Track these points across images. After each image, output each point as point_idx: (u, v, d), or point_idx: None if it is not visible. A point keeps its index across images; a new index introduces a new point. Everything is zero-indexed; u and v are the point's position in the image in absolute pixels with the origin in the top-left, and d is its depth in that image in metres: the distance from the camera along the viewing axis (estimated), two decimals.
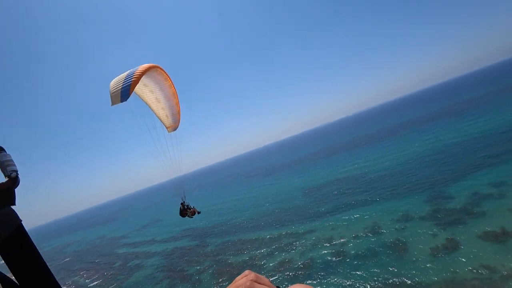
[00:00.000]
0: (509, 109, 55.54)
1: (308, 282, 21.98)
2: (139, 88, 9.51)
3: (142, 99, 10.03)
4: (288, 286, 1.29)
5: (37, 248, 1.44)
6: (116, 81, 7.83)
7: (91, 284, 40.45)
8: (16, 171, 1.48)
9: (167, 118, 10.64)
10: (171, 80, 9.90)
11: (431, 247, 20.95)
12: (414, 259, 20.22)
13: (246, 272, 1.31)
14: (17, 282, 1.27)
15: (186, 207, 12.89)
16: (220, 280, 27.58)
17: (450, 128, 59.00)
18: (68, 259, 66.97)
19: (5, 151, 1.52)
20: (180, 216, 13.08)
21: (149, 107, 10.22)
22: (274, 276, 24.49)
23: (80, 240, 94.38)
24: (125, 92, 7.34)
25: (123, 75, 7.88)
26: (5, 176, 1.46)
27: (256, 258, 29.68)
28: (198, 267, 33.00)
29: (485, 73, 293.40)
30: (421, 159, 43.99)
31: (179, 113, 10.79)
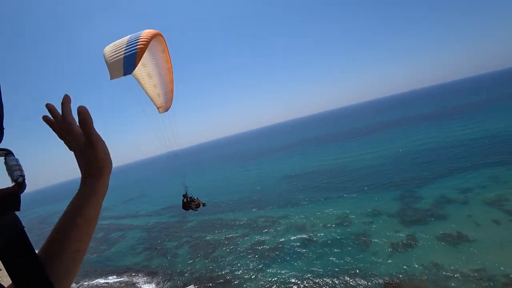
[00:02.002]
0: (497, 118, 57.11)
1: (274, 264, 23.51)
2: None
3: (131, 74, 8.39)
4: None
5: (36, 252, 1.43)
6: (114, 48, 6.13)
7: None
8: (23, 176, 1.37)
9: (158, 97, 9.33)
10: (168, 53, 8.49)
11: (392, 242, 22.48)
12: (373, 252, 21.75)
13: None
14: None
15: (189, 199, 11.70)
16: (195, 255, 29.02)
17: (438, 131, 60.64)
18: (50, 228, 67.78)
19: (13, 155, 1.42)
20: (183, 210, 11.92)
21: (139, 82, 8.71)
22: (246, 257, 25.93)
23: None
24: (130, 61, 5.58)
25: (123, 41, 6.17)
26: (12, 180, 1.33)
27: (232, 238, 31.12)
28: (176, 242, 34.44)
29: (486, 78, 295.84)
30: (402, 158, 45.51)
31: (172, 91, 9.43)
